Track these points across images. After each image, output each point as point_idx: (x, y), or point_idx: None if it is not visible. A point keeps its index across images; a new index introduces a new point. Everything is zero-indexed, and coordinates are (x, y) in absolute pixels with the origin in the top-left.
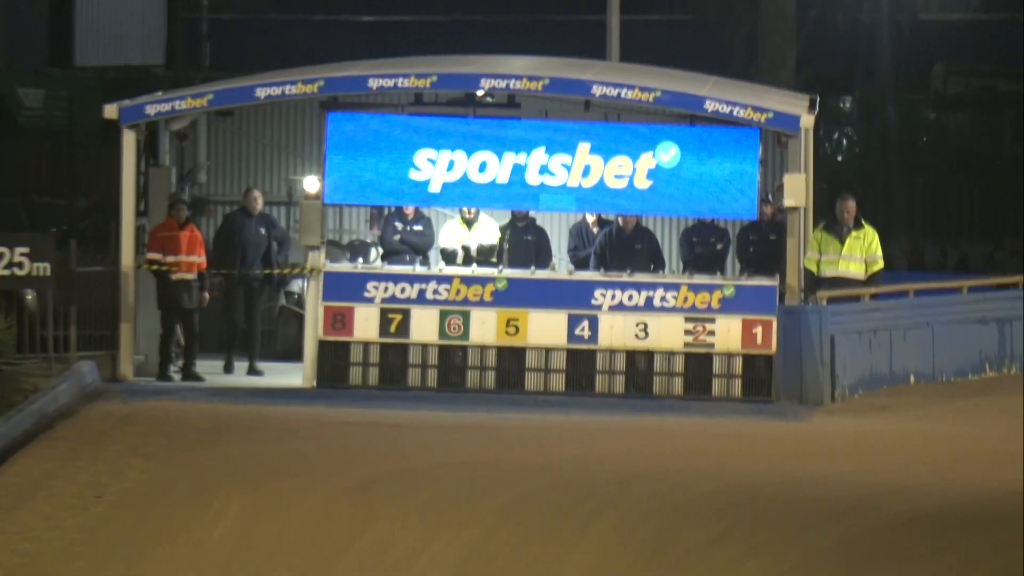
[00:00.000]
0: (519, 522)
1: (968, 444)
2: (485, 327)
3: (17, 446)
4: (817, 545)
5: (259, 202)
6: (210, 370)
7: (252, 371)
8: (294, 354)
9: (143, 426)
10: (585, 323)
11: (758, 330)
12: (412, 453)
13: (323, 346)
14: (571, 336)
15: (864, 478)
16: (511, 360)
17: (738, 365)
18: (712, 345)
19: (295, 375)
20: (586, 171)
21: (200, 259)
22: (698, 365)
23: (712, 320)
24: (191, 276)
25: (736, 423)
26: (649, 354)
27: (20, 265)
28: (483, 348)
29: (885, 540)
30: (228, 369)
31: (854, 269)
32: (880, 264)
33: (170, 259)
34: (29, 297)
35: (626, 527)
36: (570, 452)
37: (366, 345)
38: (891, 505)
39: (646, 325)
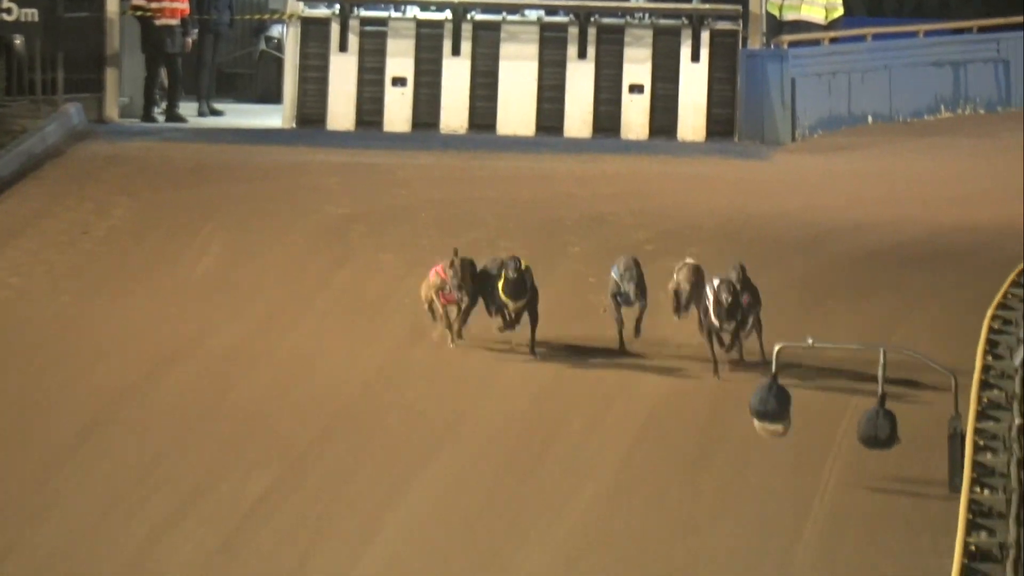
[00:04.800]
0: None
1: (924, 183)
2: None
3: (6, 186)
4: (779, 278)
5: None
6: (192, 112)
7: (212, 112)
8: (273, 97)
9: (128, 166)
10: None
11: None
12: (387, 192)
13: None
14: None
15: (824, 214)
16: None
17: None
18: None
19: (275, 117)
20: None
21: (183, 5)
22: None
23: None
24: (174, 21)
25: (700, 163)
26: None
27: (8, 11)
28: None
29: (844, 274)
30: (202, 112)
31: (815, 13)
32: (840, 11)
33: (154, 5)
34: (17, 42)
35: (593, 262)
36: (540, 192)
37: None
38: (850, 240)
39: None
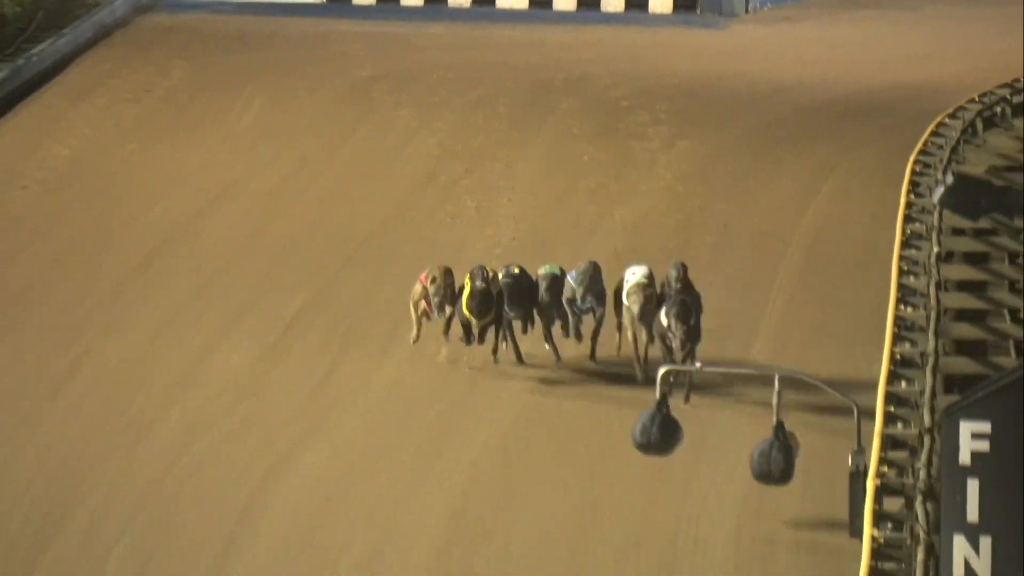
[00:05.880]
0: (490, 112)
1: (857, 48)
2: None
3: (80, 51)
4: (734, 130)
5: None
6: None
7: None
8: None
9: (185, 35)
10: None
11: None
12: (404, 57)
13: None
14: None
15: (773, 75)
16: None
17: None
18: None
19: None
20: None
21: None
22: None
23: None
24: None
25: (668, 32)
26: None
27: None
28: None
29: (790, 126)
30: None
31: None
32: None
33: None
34: None
35: (577, 116)
36: (532, 57)
37: None
38: (795, 97)
39: None
